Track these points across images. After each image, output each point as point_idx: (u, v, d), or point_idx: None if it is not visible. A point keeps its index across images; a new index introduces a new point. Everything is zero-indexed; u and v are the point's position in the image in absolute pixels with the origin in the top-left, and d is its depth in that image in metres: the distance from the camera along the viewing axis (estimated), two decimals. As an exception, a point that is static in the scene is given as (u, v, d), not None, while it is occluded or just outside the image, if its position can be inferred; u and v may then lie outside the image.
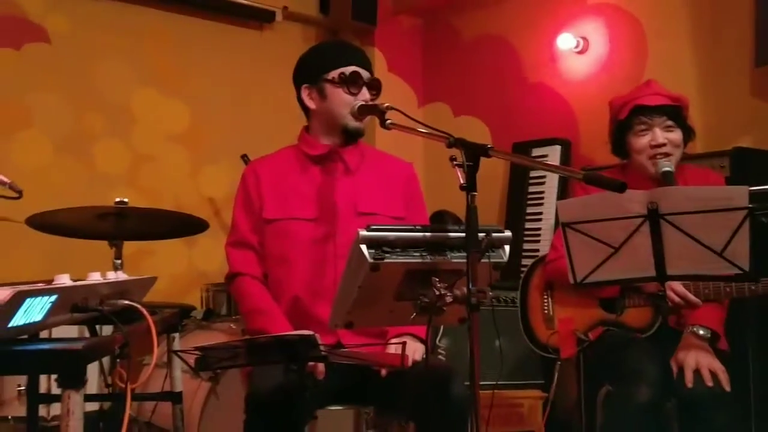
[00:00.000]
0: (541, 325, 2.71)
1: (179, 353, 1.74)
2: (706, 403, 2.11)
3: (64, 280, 1.37)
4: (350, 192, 2.21)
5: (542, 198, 3.73)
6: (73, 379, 1.13)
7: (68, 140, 3.70)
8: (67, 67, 3.70)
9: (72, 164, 3.70)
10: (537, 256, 3.57)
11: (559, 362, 2.90)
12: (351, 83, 2.17)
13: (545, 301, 2.70)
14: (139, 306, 1.50)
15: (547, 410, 3.14)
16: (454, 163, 1.62)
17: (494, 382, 3.05)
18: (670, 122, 2.37)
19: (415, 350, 2.04)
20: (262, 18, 4.28)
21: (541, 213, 3.72)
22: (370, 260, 1.59)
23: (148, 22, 3.95)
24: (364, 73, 2.20)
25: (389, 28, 4.47)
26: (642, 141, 2.39)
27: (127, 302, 1.53)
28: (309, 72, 2.24)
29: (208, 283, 3.11)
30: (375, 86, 2.20)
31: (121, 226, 2.57)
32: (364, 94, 2.17)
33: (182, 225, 2.80)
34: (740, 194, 1.90)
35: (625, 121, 2.42)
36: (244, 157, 3.77)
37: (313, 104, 2.24)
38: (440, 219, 3.95)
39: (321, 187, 2.21)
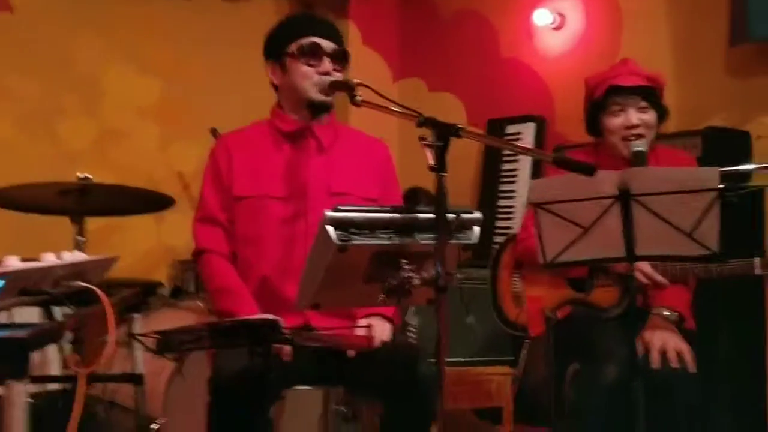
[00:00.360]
0: (510, 304, 2.71)
1: (138, 336, 1.70)
2: (672, 383, 2.12)
3: (12, 262, 1.31)
4: (323, 170, 2.16)
5: (515, 176, 3.72)
6: (15, 369, 1.09)
7: (33, 114, 3.61)
8: (30, 38, 3.60)
9: (37, 139, 3.62)
10: (510, 233, 3.57)
11: (527, 340, 2.92)
12: (310, 55, 2.11)
13: (515, 279, 2.70)
14: (94, 288, 1.45)
15: (515, 387, 3.16)
16: (424, 143, 1.59)
17: (464, 359, 3.06)
18: (644, 103, 2.36)
19: (384, 331, 2.02)
20: (234, -11, 4.18)
21: (514, 191, 3.70)
22: (337, 242, 1.56)
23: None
24: (327, 44, 2.12)
25: (365, 0, 4.39)
26: (616, 121, 2.37)
27: (81, 284, 1.48)
28: (272, 47, 2.18)
29: (175, 260, 3.06)
30: (339, 57, 2.13)
31: (83, 202, 2.50)
32: (326, 65, 2.10)
33: (147, 201, 2.74)
34: (711, 176, 1.90)
35: (600, 101, 2.40)
36: (214, 131, 3.69)
37: (277, 80, 2.19)
38: (414, 196, 3.91)
39: (293, 165, 2.16)
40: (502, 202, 3.74)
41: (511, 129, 3.80)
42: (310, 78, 2.11)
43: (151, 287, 3.13)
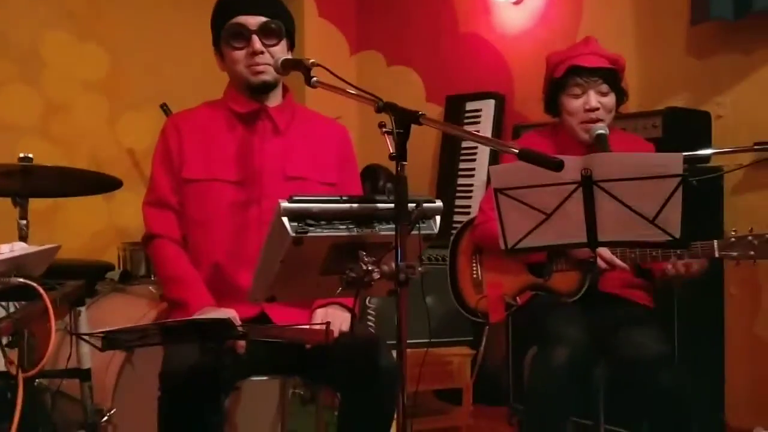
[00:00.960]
0: (470, 290, 2.68)
1: (83, 336, 1.62)
2: (645, 363, 2.10)
3: (-55, 260, 1.22)
4: (278, 154, 2.07)
5: (475, 154, 3.68)
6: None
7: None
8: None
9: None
10: (469, 212, 3.54)
11: (487, 326, 2.90)
12: (233, 38, 2.01)
13: (474, 265, 2.67)
14: (34, 284, 1.37)
15: (475, 369, 3.16)
16: (384, 130, 1.52)
17: (425, 340, 3.03)
18: (605, 86, 2.32)
19: (342, 320, 1.96)
20: (185, -43, 4.01)
21: (474, 169, 3.67)
22: (293, 234, 1.50)
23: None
24: (253, 20, 2.00)
25: (321, -29, 4.27)
26: (575, 103, 2.33)
27: (21, 280, 1.40)
28: (213, 34, 2.09)
29: (125, 242, 2.95)
30: (269, 31, 2.01)
31: (26, 184, 2.37)
32: (255, 44, 2.00)
33: (94, 183, 2.61)
34: (675, 162, 1.87)
35: (560, 80, 2.36)
36: (164, 106, 3.56)
37: (221, 67, 2.11)
38: (373, 174, 3.85)
39: (247, 148, 2.06)
40: (461, 180, 3.70)
41: (470, 106, 3.75)
42: (241, 61, 2.02)
43: (100, 270, 3.01)
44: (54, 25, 3.65)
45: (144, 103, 3.82)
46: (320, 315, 1.94)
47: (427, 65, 4.07)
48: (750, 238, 2.04)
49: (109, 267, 3.23)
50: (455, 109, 3.81)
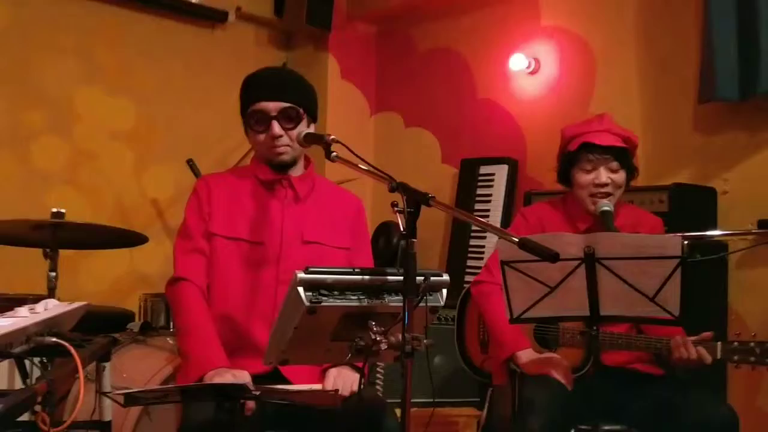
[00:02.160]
0: (477, 349, 2.76)
1: (107, 395, 1.71)
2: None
3: (-14, 322, 1.33)
4: (297, 219, 2.20)
5: (487, 215, 3.76)
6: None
7: (5, 137, 3.59)
8: (6, 61, 3.59)
9: (8, 163, 3.60)
10: (472, 282, 3.62)
11: (491, 387, 2.96)
12: (255, 123, 2.17)
13: (481, 325, 2.74)
14: (66, 345, 1.47)
15: (479, 430, 3.19)
16: (396, 209, 1.63)
17: (429, 399, 3.09)
18: (615, 164, 2.41)
19: (352, 381, 2.04)
20: (214, 17, 4.21)
21: (485, 231, 3.75)
22: (307, 303, 1.59)
23: (93, 18, 3.84)
24: (273, 106, 2.14)
25: (344, 34, 4.44)
26: (586, 178, 2.43)
27: (54, 340, 1.50)
28: (240, 107, 2.24)
29: (146, 293, 3.06)
30: (288, 117, 2.15)
31: (56, 236, 2.50)
32: (275, 129, 2.14)
33: (121, 237, 2.74)
34: (673, 244, 1.96)
35: (573, 154, 2.45)
36: (190, 162, 3.72)
37: (249, 140, 2.27)
38: (387, 231, 3.96)
39: (269, 212, 2.19)
40: (473, 242, 3.79)
41: (484, 170, 3.86)
42: (262, 143, 2.18)
43: (122, 319, 3.11)
44: (88, 81, 3.81)
45: (168, 155, 3.98)
46: (332, 375, 2.02)
47: (444, 128, 4.20)
48: (752, 344, 2.12)
49: (130, 316, 3.33)
50: (469, 172, 3.92)
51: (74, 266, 3.60)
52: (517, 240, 1.46)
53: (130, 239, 2.73)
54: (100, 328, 2.25)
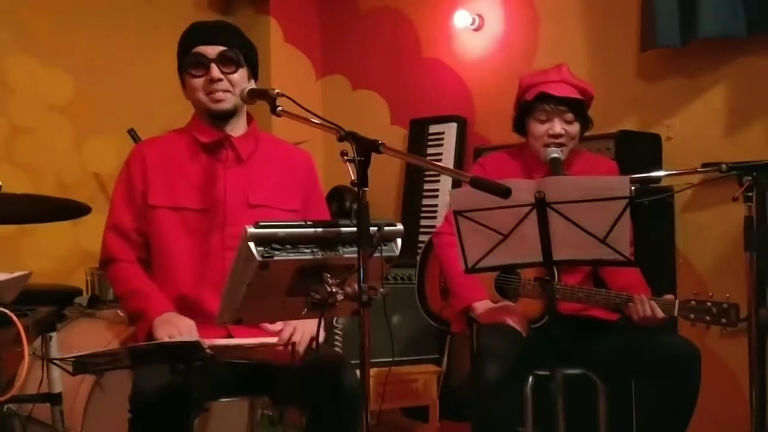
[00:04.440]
0: (437, 297, 2.76)
1: (55, 361, 1.66)
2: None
3: None
4: (241, 182, 2.13)
5: (438, 176, 3.77)
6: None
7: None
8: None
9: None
10: (433, 232, 3.63)
11: (450, 336, 2.98)
12: (193, 67, 2.09)
13: (441, 274, 2.74)
14: (7, 311, 1.41)
15: (440, 384, 3.22)
16: (345, 158, 1.60)
17: (389, 359, 3.09)
18: (570, 115, 2.41)
19: (311, 332, 1.99)
20: (150, -18, 4.07)
21: (437, 190, 3.75)
22: (259, 258, 1.56)
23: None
24: (211, 50, 2.08)
25: (286, -3, 4.35)
26: (540, 128, 2.42)
27: (-6, 308, 1.44)
28: (177, 64, 2.16)
29: (92, 267, 2.97)
30: (227, 59, 2.09)
31: (-7, 211, 2.40)
32: (214, 72, 2.07)
33: (62, 209, 2.64)
34: (621, 184, 1.98)
35: (529, 104, 2.44)
36: (131, 132, 3.60)
37: (185, 95, 2.18)
38: (339, 196, 3.93)
39: (210, 176, 2.12)
40: (426, 201, 3.79)
41: (434, 129, 3.85)
42: (200, 89, 2.10)
43: (69, 295, 3.03)
44: (21, 51, 3.67)
45: (108, 127, 3.85)
46: (288, 329, 1.98)
47: (392, 89, 4.17)
48: (709, 304, 2.17)
49: (77, 292, 3.24)
50: (419, 132, 3.90)
51: (15, 245, 3.48)
52: (468, 178, 1.45)
53: (71, 210, 2.64)
54: (46, 305, 2.18)
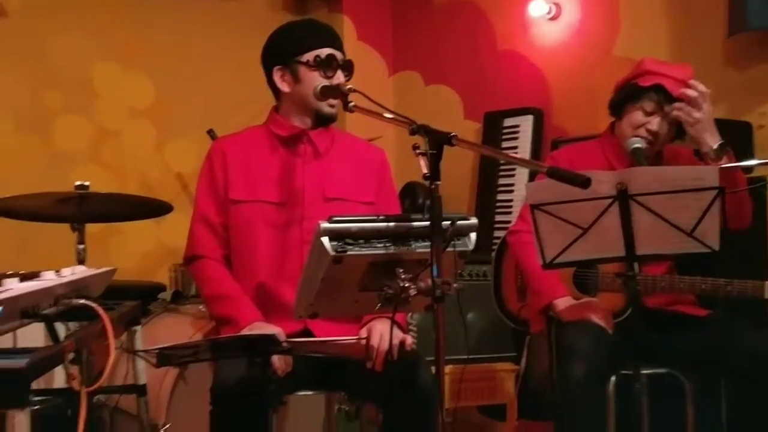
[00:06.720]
0: (514, 297, 2.71)
1: (139, 353, 1.71)
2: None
3: (11, 284, 1.31)
4: (318, 176, 2.15)
5: (514, 170, 3.69)
6: (16, 398, 1.08)
7: (27, 119, 3.60)
8: (22, 43, 3.59)
9: (32, 143, 3.61)
10: (509, 228, 3.57)
11: (528, 335, 2.92)
12: (327, 66, 2.11)
13: (518, 273, 2.69)
14: (94, 305, 1.46)
15: (518, 383, 3.16)
16: (417, 151, 1.58)
17: (464, 356, 3.06)
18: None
19: (385, 334, 1.99)
20: (225, -14, 4.15)
21: (513, 185, 3.68)
22: (332, 253, 1.56)
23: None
24: (339, 55, 2.13)
25: (359, -5, 4.36)
26: (641, 118, 2.31)
27: (81, 301, 1.49)
28: (281, 54, 2.15)
29: (176, 264, 3.06)
30: (348, 68, 2.14)
31: (82, 210, 2.50)
32: (339, 77, 2.11)
33: (146, 207, 2.73)
34: (711, 174, 1.88)
35: (641, 90, 2.31)
36: (211, 132, 3.68)
37: (287, 87, 2.16)
38: (412, 192, 3.91)
39: (288, 170, 2.15)
40: (500, 196, 3.72)
41: (508, 122, 3.77)
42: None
43: (153, 291, 3.13)
44: (104, 58, 3.81)
45: (189, 128, 3.94)
46: (366, 329, 1.98)
47: (465, 83, 4.12)
48: None
49: (161, 288, 3.35)
50: (493, 126, 3.84)
51: (103, 243, 3.62)
52: (545, 168, 1.40)
53: (155, 209, 2.73)
54: (131, 300, 2.26)
